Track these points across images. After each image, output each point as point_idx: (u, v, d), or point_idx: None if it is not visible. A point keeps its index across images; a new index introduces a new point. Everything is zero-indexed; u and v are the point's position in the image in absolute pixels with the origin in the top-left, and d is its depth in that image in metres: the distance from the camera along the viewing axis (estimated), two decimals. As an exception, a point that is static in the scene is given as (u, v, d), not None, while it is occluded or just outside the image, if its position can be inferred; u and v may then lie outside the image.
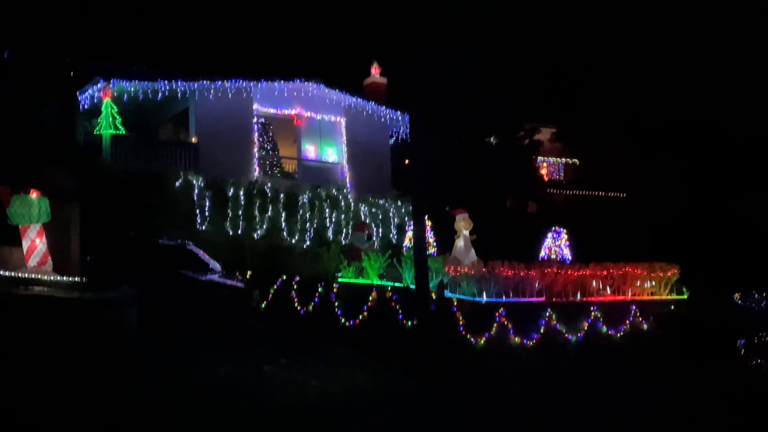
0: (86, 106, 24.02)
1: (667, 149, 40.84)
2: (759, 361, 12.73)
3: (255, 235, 22.87)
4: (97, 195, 21.10)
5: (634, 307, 20.24)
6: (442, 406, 12.69)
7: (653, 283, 21.57)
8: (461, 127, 29.95)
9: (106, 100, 22.94)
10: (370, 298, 17.58)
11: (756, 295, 18.02)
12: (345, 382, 13.49)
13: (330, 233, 24.44)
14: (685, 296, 21.93)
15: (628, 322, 19.93)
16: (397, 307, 17.27)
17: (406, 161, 28.13)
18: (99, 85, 23.08)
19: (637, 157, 39.96)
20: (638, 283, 21.20)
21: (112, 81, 22.84)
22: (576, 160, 41.15)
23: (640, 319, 20.15)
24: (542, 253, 22.68)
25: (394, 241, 25.16)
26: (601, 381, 15.30)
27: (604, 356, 18.33)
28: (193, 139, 24.33)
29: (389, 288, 17.85)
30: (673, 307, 21.01)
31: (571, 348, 18.57)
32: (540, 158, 38.92)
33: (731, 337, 18.36)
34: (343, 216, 24.90)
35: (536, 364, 17.06)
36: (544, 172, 38.99)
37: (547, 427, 11.72)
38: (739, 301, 18.57)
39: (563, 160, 40.77)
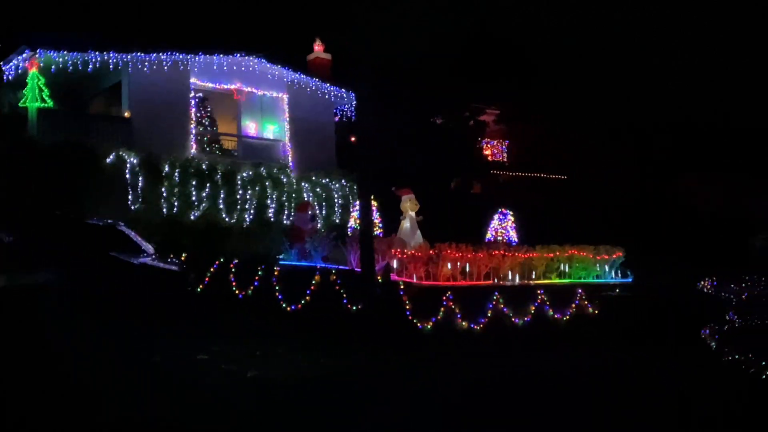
0: (11, 78, 22.38)
1: (607, 133, 40.98)
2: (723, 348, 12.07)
3: (192, 215, 21.70)
4: (20, 170, 19.74)
5: (580, 290, 19.80)
6: (384, 392, 11.88)
7: (597, 265, 21.19)
8: (408, 106, 29.05)
9: (32, 71, 21.41)
10: (314, 282, 16.67)
11: (733, 286, 17.56)
12: (285, 369, 12.58)
13: (271, 213, 23.39)
14: (630, 279, 21.66)
15: (573, 305, 19.49)
16: (342, 291, 16.42)
17: (352, 138, 27.20)
18: (24, 55, 21.49)
19: (578, 139, 39.92)
20: (584, 265, 20.76)
21: (38, 51, 21.27)
22: (519, 142, 40.79)
23: (586, 302, 19.73)
24: (489, 235, 22.06)
25: (338, 222, 24.25)
26: (545, 367, 14.68)
27: (550, 341, 17.83)
28: (126, 114, 22.93)
29: (334, 271, 16.96)
30: (618, 290, 20.64)
31: (518, 332, 18.02)
32: (484, 140, 38.41)
33: (681, 323, 18.16)
34: (285, 195, 23.87)
35: (482, 349, 16.43)
36: (488, 153, 38.47)
37: (480, 414, 10.98)
38: (709, 288, 18.13)
39: (506, 142, 40.33)
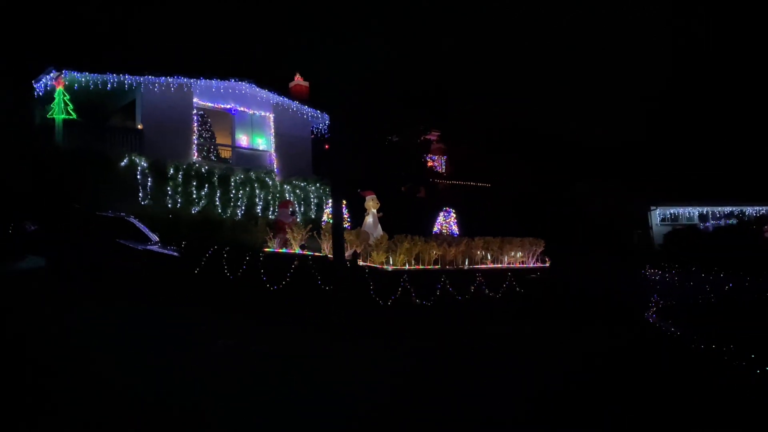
0: (41, 94, 20.12)
1: (517, 150, 40.27)
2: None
3: (193, 210, 19.73)
4: (46, 172, 17.63)
5: (509, 273, 18.45)
6: (352, 356, 10.30)
7: (522, 254, 19.86)
8: (370, 127, 27.44)
9: (59, 88, 19.24)
10: (293, 266, 14.93)
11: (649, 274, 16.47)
12: (268, 341, 10.88)
13: (259, 210, 21.52)
14: (547, 264, 20.39)
15: (504, 285, 18.12)
16: (317, 273, 14.73)
17: (326, 146, 25.48)
18: (52, 75, 19.30)
19: (496, 155, 39.01)
20: (512, 254, 19.40)
21: (63, 71, 19.10)
22: (453, 157, 39.60)
23: (514, 282, 18.38)
24: (435, 229, 20.59)
25: (313, 217, 22.50)
26: (481, 332, 13.36)
27: (486, 313, 16.47)
28: (139, 126, 20.86)
29: (310, 257, 15.25)
30: (539, 273, 19.34)
31: (460, 306, 16.58)
32: (428, 155, 37.00)
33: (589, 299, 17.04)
34: (270, 195, 22.02)
35: (433, 321, 14.96)
36: (430, 165, 37.04)
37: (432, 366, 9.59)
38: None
39: (444, 157, 39.02)
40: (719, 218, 36.45)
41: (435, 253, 17.02)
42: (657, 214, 37.12)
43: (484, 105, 41.64)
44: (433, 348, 11.55)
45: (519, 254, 19.72)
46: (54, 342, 8.87)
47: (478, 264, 18.25)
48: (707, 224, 36.06)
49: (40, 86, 20.00)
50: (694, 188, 38.57)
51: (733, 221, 34.81)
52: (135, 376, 7.82)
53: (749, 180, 38.86)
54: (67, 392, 7.02)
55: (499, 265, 18.83)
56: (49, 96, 19.66)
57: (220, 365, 8.65)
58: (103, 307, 11.12)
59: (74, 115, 19.37)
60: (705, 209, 37.24)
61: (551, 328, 14.62)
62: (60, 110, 19.15)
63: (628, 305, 15.62)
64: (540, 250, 20.35)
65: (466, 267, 17.65)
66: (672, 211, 37.45)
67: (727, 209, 36.79)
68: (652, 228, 36.91)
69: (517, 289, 18.21)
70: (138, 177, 19.17)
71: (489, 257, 18.70)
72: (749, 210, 36.46)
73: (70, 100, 19.41)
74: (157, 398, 7.25)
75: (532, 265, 20.03)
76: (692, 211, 37.35)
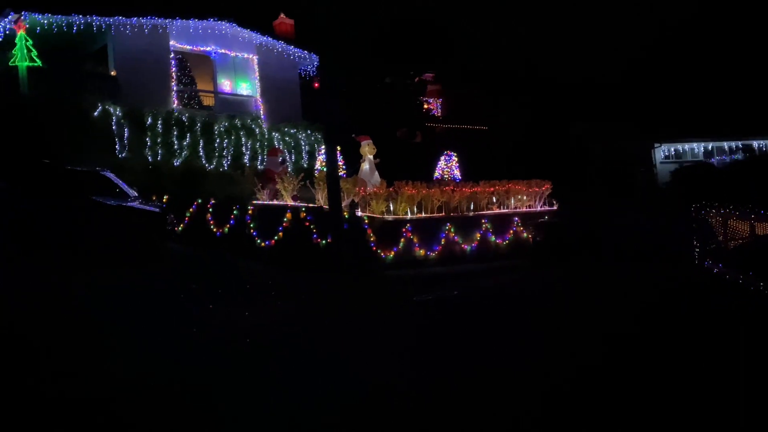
0: (0, 40, 18.34)
1: (515, 90, 38.51)
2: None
3: (175, 162, 18.34)
4: (12, 125, 16.10)
5: (516, 218, 17.27)
6: (359, 319, 9.12)
7: (528, 197, 18.64)
8: (362, 67, 25.75)
9: (20, 32, 17.48)
10: (285, 219, 13.68)
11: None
12: (262, 308, 9.70)
13: (246, 159, 20.12)
14: (555, 208, 19.18)
15: (511, 231, 16.96)
16: (312, 227, 13.49)
17: (316, 85, 23.85)
18: (10, 17, 17.52)
19: (494, 96, 37.34)
20: (519, 197, 18.17)
21: (23, 13, 17.32)
22: (449, 100, 37.95)
23: (521, 228, 17.23)
24: (436, 174, 19.24)
25: (305, 166, 21.13)
26: (491, 287, 12.06)
27: (494, 262, 15.33)
28: (113, 73, 19.21)
29: (303, 208, 13.98)
30: (546, 217, 18.13)
31: (466, 256, 15.46)
32: (424, 98, 35.36)
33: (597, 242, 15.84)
34: (258, 144, 20.59)
35: (438, 273, 13.80)
36: (426, 108, 35.44)
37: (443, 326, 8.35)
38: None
39: (440, 100, 37.37)
40: (725, 153, 35.22)
41: (438, 199, 15.77)
42: (661, 152, 35.83)
43: (481, 45, 39.70)
44: (448, 303, 10.36)
45: (525, 198, 18.50)
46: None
47: (483, 210, 17.05)
48: (712, 160, 34.84)
49: (-1, 31, 18.24)
50: (697, 124, 37.17)
51: (740, 156, 33.60)
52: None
53: (754, 113, 37.43)
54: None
55: (506, 210, 17.64)
56: (10, 42, 17.90)
57: (208, 346, 7.49)
58: (76, 277, 9.88)
59: (39, 62, 17.69)
60: (710, 144, 35.96)
61: (561, 274, 13.45)
62: (23, 57, 17.46)
63: (669, 249, 14.23)
64: (547, 193, 19.14)
65: (471, 213, 16.44)
66: (676, 148, 36.14)
67: (733, 144, 35.52)
68: (656, 166, 35.68)
69: (525, 234, 17.08)
70: (114, 128, 17.70)
71: (495, 201, 17.48)
72: (756, 143, 35.22)
73: (34, 45, 17.69)
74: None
75: (540, 208, 18.85)
76: (697, 147, 36.07)
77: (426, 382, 5.88)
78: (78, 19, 18.17)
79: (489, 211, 17.10)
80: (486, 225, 16.23)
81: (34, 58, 17.64)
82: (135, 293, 9.33)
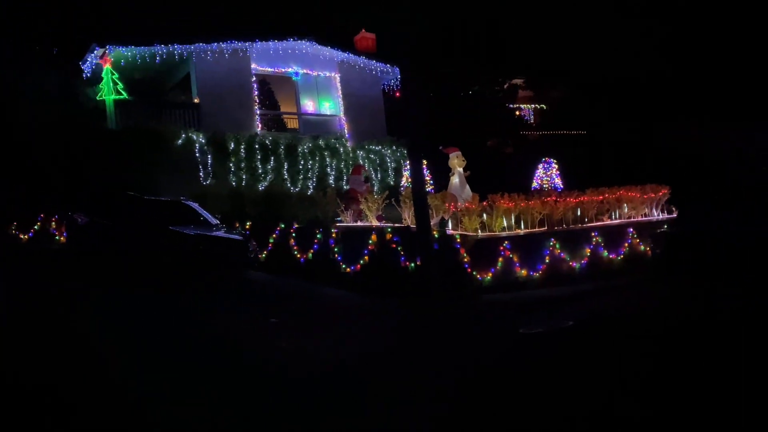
0: (89, 75, 18.71)
1: (613, 91, 35.64)
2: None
3: (259, 186, 17.85)
4: (98, 158, 16.17)
5: (631, 229, 15.27)
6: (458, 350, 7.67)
7: (646, 205, 16.54)
8: (449, 78, 24.47)
9: (106, 66, 17.72)
10: (370, 242, 12.56)
11: None
12: (350, 341, 8.54)
13: (332, 180, 19.35)
14: (675, 215, 16.91)
15: (626, 244, 14.99)
16: (399, 248, 12.28)
17: (397, 94, 22.77)
18: (96, 52, 17.76)
19: (590, 98, 34.77)
20: (632, 205, 16.12)
21: (107, 47, 17.50)
22: (543, 105, 35.83)
23: (638, 240, 15.20)
24: (534, 184, 17.58)
25: (392, 183, 20.08)
26: (613, 314, 10.07)
27: (609, 281, 13.41)
28: (196, 100, 19.07)
29: (389, 229, 12.79)
30: (666, 226, 15.91)
31: (575, 274, 13.66)
32: (514, 105, 33.53)
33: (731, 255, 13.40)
34: (342, 163, 19.79)
35: (544, 296, 12.11)
36: (518, 115, 33.57)
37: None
38: None
39: (532, 106, 35.35)
40: None
41: (539, 212, 14.12)
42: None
43: (573, 46, 37.32)
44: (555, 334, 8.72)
45: (640, 205, 16.41)
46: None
47: (592, 221, 15.18)
48: None
49: (87, 67, 18.59)
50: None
51: None
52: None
53: None
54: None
55: (619, 220, 15.66)
56: (97, 77, 18.21)
57: (304, 383, 6.42)
58: (157, 309, 9.18)
59: (125, 95, 17.85)
60: None
61: (701, 295, 11.30)
62: (109, 90, 17.66)
63: None
64: (665, 199, 16.95)
65: (578, 226, 14.63)
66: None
67: None
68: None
69: (642, 247, 15.04)
70: (197, 155, 17.45)
71: (606, 212, 15.56)
72: None
73: (120, 78, 17.90)
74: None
75: (658, 216, 16.68)
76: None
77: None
78: (160, 49, 18.19)
79: (599, 223, 15.22)
80: (596, 238, 14.39)
81: (120, 91, 17.80)
82: (211, 324, 8.48)
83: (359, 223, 14.10)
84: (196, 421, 5.11)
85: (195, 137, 17.51)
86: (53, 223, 15.07)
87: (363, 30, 23.70)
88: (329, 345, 7.82)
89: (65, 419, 5.14)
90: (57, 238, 14.95)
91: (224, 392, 5.77)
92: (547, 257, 13.31)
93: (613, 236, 14.89)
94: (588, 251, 14.17)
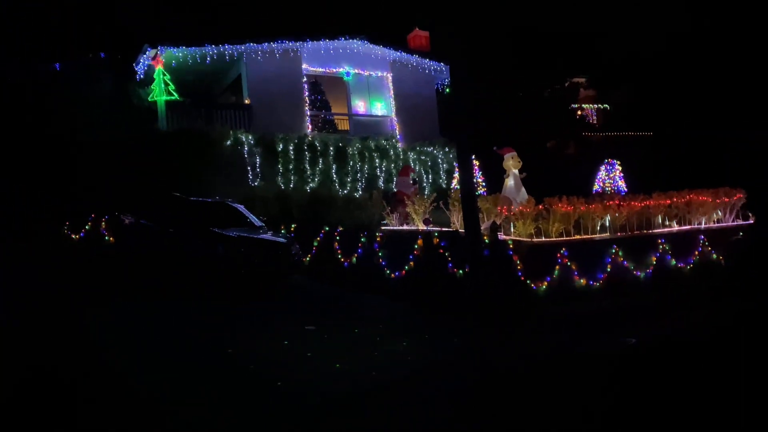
0: (141, 76, 18.86)
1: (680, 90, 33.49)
2: None
3: (307, 188, 17.50)
4: (148, 157, 16.17)
5: (702, 236, 14.05)
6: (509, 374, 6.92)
7: (718, 210, 15.24)
8: (504, 77, 23.54)
9: (158, 67, 17.73)
10: (416, 246, 11.93)
11: None
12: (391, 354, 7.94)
13: (381, 182, 18.83)
14: (752, 222, 15.52)
15: (696, 252, 13.79)
16: (446, 254, 11.59)
17: (446, 90, 22.02)
18: (148, 53, 17.85)
19: (655, 98, 32.88)
20: (704, 210, 14.86)
21: (159, 48, 17.56)
22: (606, 105, 34.23)
23: (709, 248, 13.97)
24: (596, 187, 16.52)
25: (444, 186, 19.39)
26: (683, 332, 9.03)
27: (677, 292, 12.30)
28: (247, 101, 18.93)
29: (436, 233, 12.12)
30: (741, 233, 14.57)
31: (640, 284, 12.62)
32: (575, 105, 32.15)
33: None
34: (393, 165, 19.24)
35: (605, 308, 11.17)
36: (579, 115, 32.18)
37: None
38: None
39: (595, 105, 33.83)
40: None
41: (600, 217, 13.13)
42: None
43: (638, 42, 35.44)
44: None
45: (712, 211, 15.12)
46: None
47: (659, 227, 14.05)
48: None
49: (140, 68, 18.74)
50: None
51: None
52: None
53: None
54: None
55: (688, 227, 14.45)
56: (149, 78, 18.31)
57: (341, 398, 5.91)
58: (190, 318, 8.87)
59: (176, 96, 17.84)
60: None
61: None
62: (161, 91, 17.68)
63: None
64: (740, 204, 15.58)
65: (643, 232, 13.54)
66: None
67: None
68: None
69: (714, 256, 13.81)
70: (246, 156, 17.27)
71: (674, 217, 14.39)
72: None
73: (172, 80, 17.90)
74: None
75: (732, 222, 15.34)
76: None
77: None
78: (211, 49, 18.15)
79: (666, 229, 14.08)
80: (663, 245, 13.29)
81: (172, 92, 17.82)
82: (242, 331, 8.06)
83: (405, 227, 13.49)
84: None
85: (244, 138, 17.34)
86: (103, 223, 15.12)
87: (416, 28, 23.15)
88: (363, 365, 7.21)
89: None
90: (107, 238, 14.98)
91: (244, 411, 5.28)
92: (608, 266, 12.34)
93: (682, 243, 13.74)
94: (654, 259, 13.09)
